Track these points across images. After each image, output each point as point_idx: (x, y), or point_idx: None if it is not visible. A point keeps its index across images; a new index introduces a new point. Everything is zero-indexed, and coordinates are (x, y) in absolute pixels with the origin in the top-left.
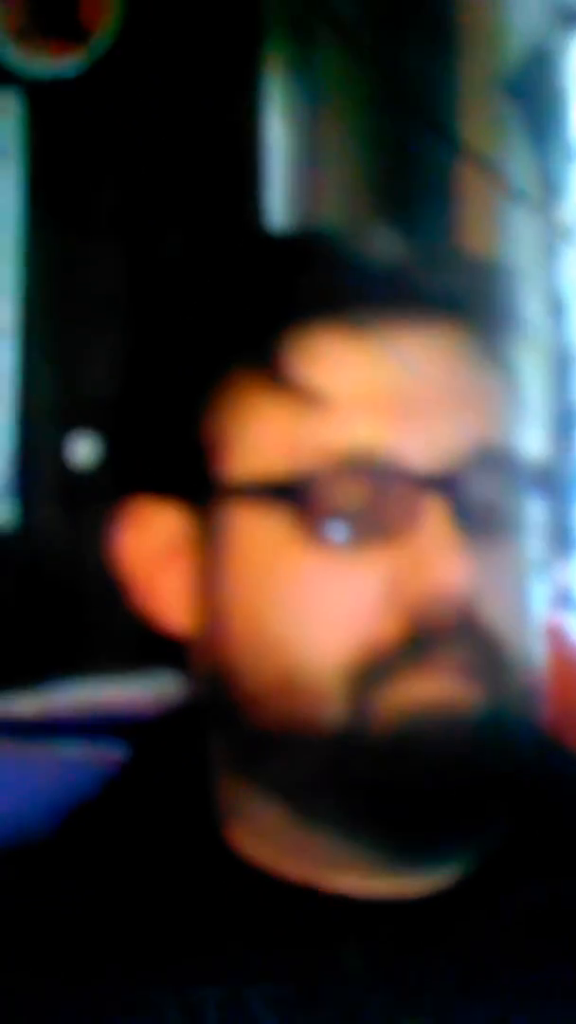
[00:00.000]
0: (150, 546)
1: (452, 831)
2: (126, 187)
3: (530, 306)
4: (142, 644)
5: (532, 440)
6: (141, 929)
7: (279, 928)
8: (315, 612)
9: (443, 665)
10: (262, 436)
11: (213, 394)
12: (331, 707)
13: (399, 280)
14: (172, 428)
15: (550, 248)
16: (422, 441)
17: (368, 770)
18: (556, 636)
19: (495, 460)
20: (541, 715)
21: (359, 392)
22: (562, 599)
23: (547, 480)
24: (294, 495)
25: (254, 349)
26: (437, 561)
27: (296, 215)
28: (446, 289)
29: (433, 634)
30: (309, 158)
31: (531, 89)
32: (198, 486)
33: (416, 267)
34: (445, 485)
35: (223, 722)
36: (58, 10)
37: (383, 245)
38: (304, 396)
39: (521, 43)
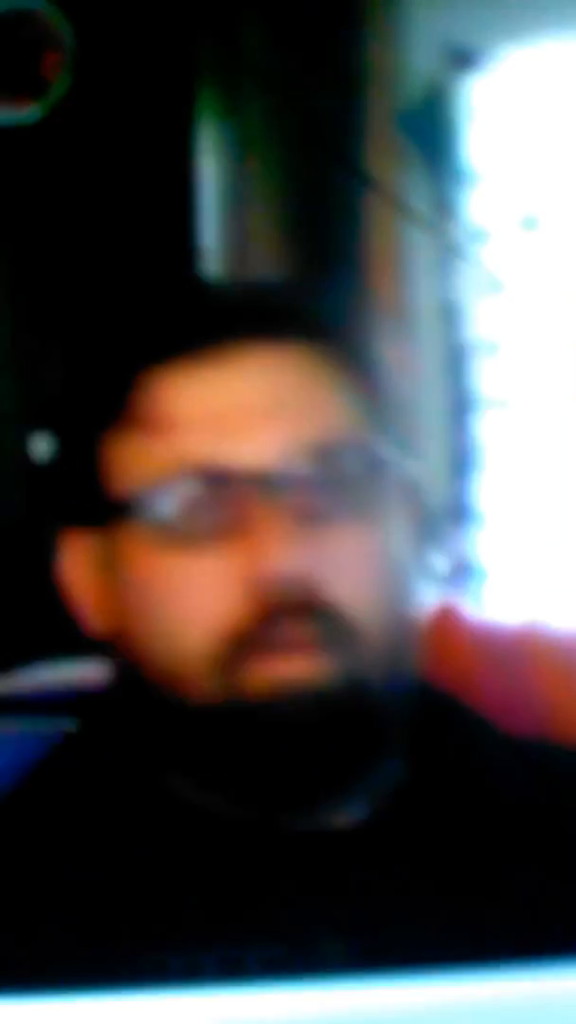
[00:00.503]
0: (76, 568)
1: (324, 787)
2: (77, 218)
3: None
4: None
5: (392, 434)
6: (95, 868)
7: (218, 859)
8: (180, 607)
9: (293, 640)
10: (126, 467)
11: (100, 439)
12: (205, 686)
13: (234, 314)
14: (79, 470)
15: (444, 261)
16: (247, 445)
17: (244, 740)
18: (447, 615)
19: (321, 455)
20: (417, 671)
21: (195, 413)
22: (460, 570)
23: (382, 467)
24: (139, 509)
25: (118, 402)
26: (268, 549)
27: (227, 243)
28: (276, 318)
29: (277, 614)
30: (238, 192)
31: (427, 123)
32: (99, 513)
33: (248, 303)
34: (272, 482)
35: (135, 702)
36: (19, 66)
37: (228, 286)
38: (152, 425)
39: (418, 84)
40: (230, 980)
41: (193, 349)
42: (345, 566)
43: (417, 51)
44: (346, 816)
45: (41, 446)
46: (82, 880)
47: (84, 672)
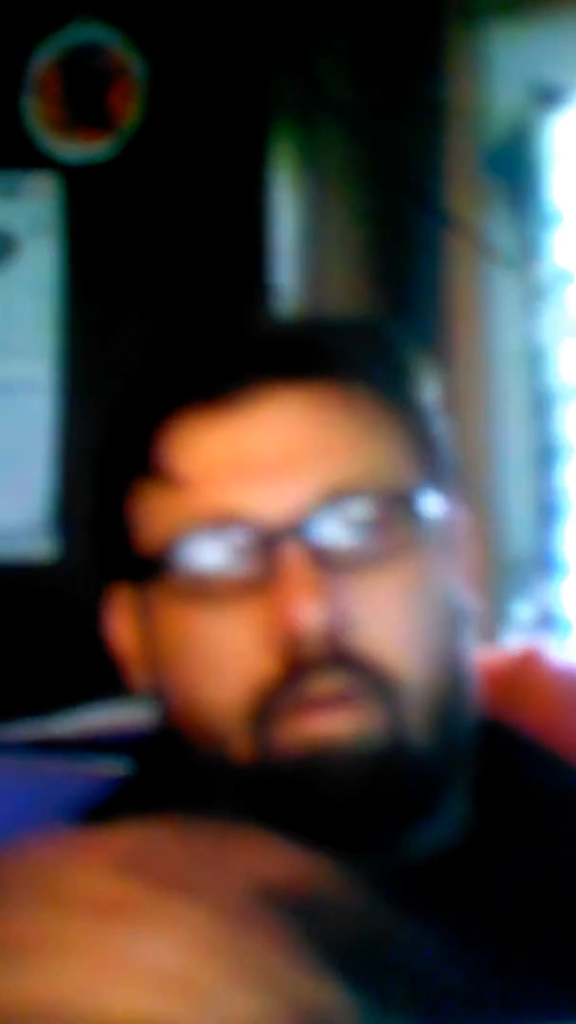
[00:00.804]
0: (121, 625)
1: (366, 843)
2: (151, 258)
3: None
4: None
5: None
6: None
7: None
8: (209, 663)
9: (324, 696)
10: (149, 521)
11: (127, 497)
12: (238, 745)
13: (254, 357)
14: (112, 527)
15: (529, 305)
16: (272, 497)
17: (274, 800)
18: (532, 658)
19: (348, 499)
20: (475, 715)
21: (215, 464)
22: (543, 620)
23: (412, 503)
24: (165, 564)
25: (139, 457)
26: (294, 600)
27: (304, 285)
28: (300, 358)
29: (305, 668)
30: (315, 231)
31: (511, 163)
32: (133, 571)
33: (272, 343)
34: (294, 531)
35: (175, 757)
36: (89, 102)
37: (248, 327)
38: (172, 480)
39: (502, 122)
40: None
41: (213, 395)
42: (378, 615)
43: (501, 88)
44: (402, 862)
45: None
46: None
47: (133, 715)
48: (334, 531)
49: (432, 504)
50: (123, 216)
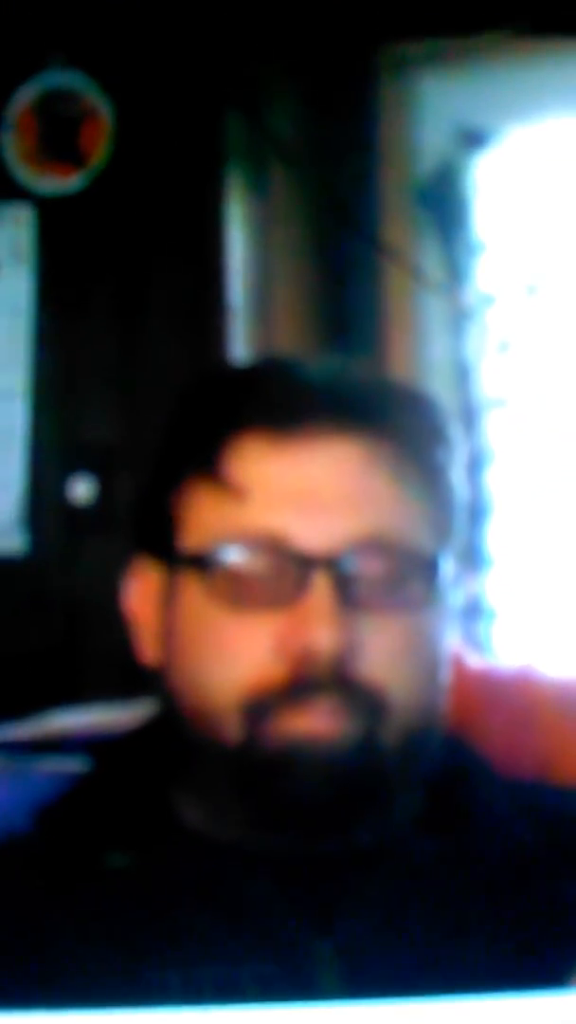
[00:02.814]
0: (141, 594)
1: (330, 827)
2: (116, 280)
3: (434, 370)
4: (129, 667)
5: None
6: (108, 897)
7: (225, 885)
8: (220, 656)
9: (317, 707)
10: (198, 519)
11: (179, 487)
12: (231, 731)
13: (321, 399)
14: (156, 508)
15: (458, 325)
16: (315, 529)
17: (258, 783)
18: (452, 662)
19: (380, 548)
20: (442, 732)
21: (269, 486)
22: (471, 609)
23: (434, 569)
24: (207, 564)
25: (202, 457)
26: (315, 624)
27: (254, 306)
28: (361, 409)
29: (309, 682)
30: (263, 258)
31: (440, 198)
32: (169, 553)
33: (338, 389)
34: (328, 564)
35: (168, 729)
36: (62, 139)
37: (315, 369)
38: (230, 489)
39: (431, 160)
40: (229, 1000)
41: (280, 425)
42: (382, 651)
43: (431, 130)
44: (355, 846)
45: (81, 488)
46: (91, 911)
47: (99, 718)
48: (360, 572)
49: (447, 568)
50: (92, 244)
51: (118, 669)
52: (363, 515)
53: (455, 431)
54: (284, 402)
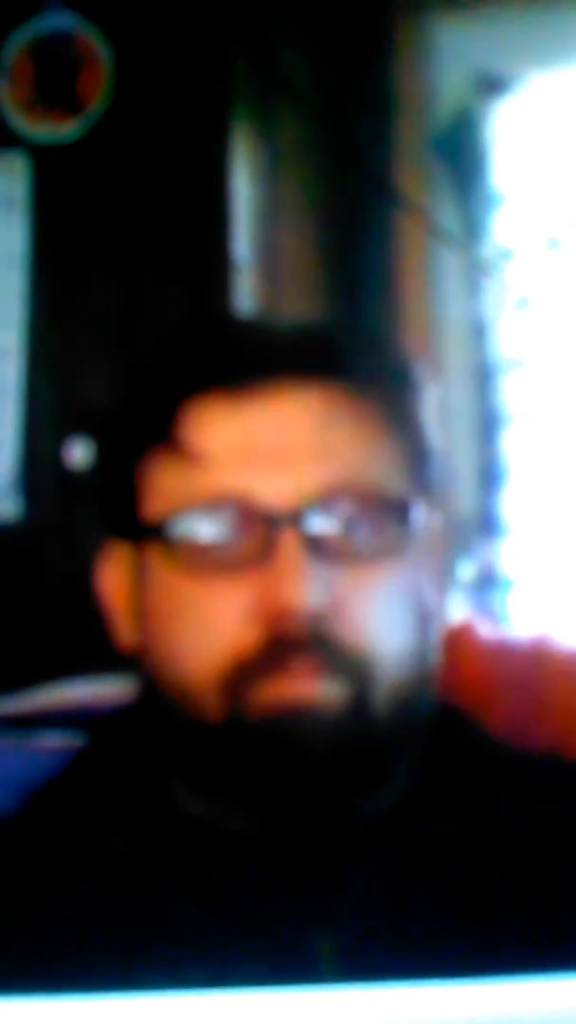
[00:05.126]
0: (113, 578)
1: (323, 803)
2: (115, 232)
3: (449, 327)
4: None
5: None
6: (100, 880)
7: (219, 869)
8: (195, 628)
9: (299, 669)
10: (161, 490)
11: (139, 459)
12: (212, 705)
13: (276, 353)
14: (118, 484)
15: (474, 281)
16: (277, 486)
17: (244, 757)
18: (464, 633)
19: (347, 498)
20: (434, 698)
21: (229, 447)
22: (486, 579)
23: (405, 512)
24: (170, 534)
25: (159, 425)
26: (286, 583)
27: (261, 259)
28: (317, 359)
29: (287, 643)
30: (271, 209)
31: (457, 148)
32: (135, 530)
33: (293, 343)
34: (295, 520)
35: (152, 715)
36: (58, 84)
37: (270, 325)
38: (187, 454)
39: (448, 108)
40: (222, 985)
41: (236, 384)
42: (360, 604)
43: (448, 76)
44: (349, 825)
45: (77, 452)
46: (84, 893)
47: (96, 691)
48: (330, 524)
49: (421, 514)
50: (90, 195)
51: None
52: (326, 466)
53: (423, 374)
54: (239, 360)
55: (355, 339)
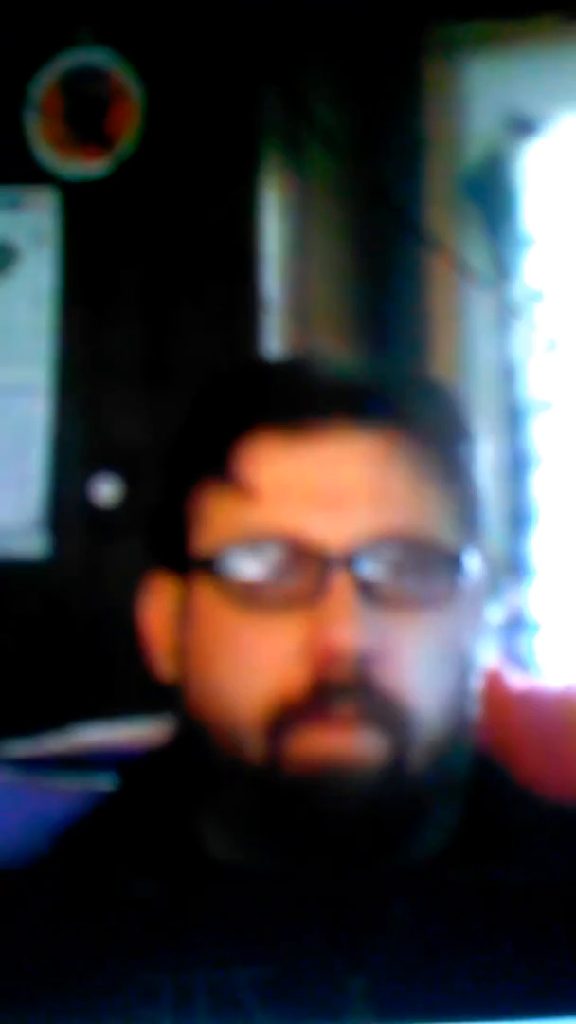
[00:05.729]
0: (156, 611)
1: (357, 856)
2: (144, 269)
3: (478, 369)
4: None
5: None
6: (129, 925)
7: (250, 914)
8: (240, 666)
9: (342, 715)
10: (212, 523)
11: (192, 492)
12: (253, 746)
13: (335, 395)
14: (169, 516)
15: (504, 322)
16: (332, 526)
17: (280, 807)
18: (492, 681)
19: (400, 544)
20: (472, 749)
21: (283, 485)
22: (514, 622)
23: (457, 564)
24: (221, 569)
25: (214, 459)
26: (337, 623)
27: (289, 299)
28: (377, 403)
29: (332, 686)
30: (301, 248)
31: (487, 189)
32: (184, 562)
33: (352, 385)
34: (348, 562)
35: (188, 751)
36: (89, 120)
37: (330, 366)
38: (243, 491)
39: (479, 149)
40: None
41: (293, 422)
42: (406, 653)
43: (478, 117)
44: (384, 872)
45: (104, 490)
46: (111, 938)
47: (122, 734)
48: (381, 570)
49: (470, 565)
50: (119, 231)
51: (143, 680)
52: (381, 511)
53: (477, 426)
54: (296, 399)
55: (412, 384)
